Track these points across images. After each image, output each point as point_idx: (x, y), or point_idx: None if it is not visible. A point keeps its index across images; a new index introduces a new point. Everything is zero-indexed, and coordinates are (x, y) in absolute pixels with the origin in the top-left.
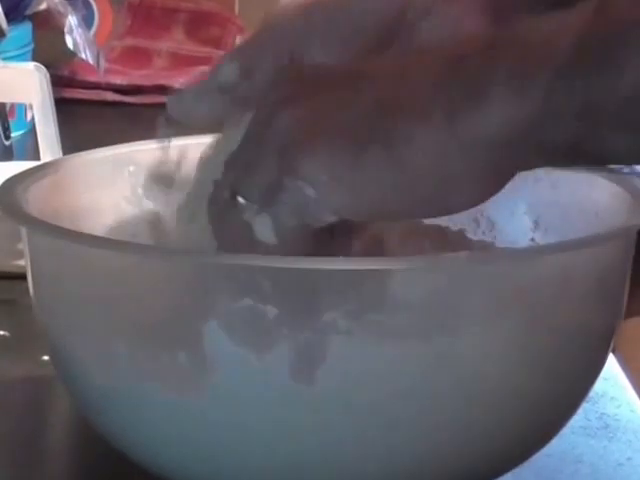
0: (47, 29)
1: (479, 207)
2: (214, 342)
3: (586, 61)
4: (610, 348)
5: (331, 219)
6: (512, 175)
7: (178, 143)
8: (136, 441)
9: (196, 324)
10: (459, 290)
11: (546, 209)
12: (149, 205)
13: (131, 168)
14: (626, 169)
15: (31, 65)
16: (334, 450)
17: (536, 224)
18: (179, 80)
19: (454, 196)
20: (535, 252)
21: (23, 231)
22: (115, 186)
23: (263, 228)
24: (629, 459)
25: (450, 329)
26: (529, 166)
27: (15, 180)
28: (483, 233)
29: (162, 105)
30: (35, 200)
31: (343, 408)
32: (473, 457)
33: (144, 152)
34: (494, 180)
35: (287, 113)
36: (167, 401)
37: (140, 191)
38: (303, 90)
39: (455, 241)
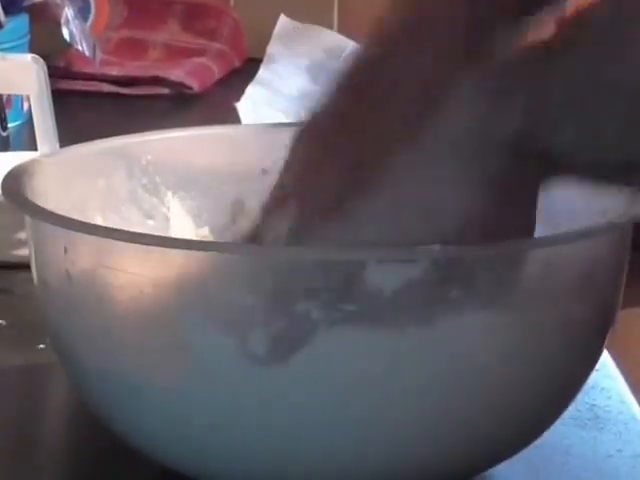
0: (44, 21)
1: None
2: (193, 328)
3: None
4: (605, 341)
5: None
6: (501, 193)
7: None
8: (136, 427)
9: (176, 310)
10: (436, 282)
11: (558, 209)
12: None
13: (149, 157)
14: None
15: (29, 57)
16: (314, 435)
17: (548, 223)
18: (174, 72)
19: (445, 216)
20: (514, 246)
21: (28, 220)
22: (132, 174)
23: None
24: (619, 451)
25: (425, 320)
26: (506, 176)
27: (22, 169)
28: None
29: (157, 96)
30: (47, 190)
31: (319, 393)
32: (457, 450)
33: (160, 141)
34: (479, 193)
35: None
36: (151, 388)
37: (158, 179)
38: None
39: None
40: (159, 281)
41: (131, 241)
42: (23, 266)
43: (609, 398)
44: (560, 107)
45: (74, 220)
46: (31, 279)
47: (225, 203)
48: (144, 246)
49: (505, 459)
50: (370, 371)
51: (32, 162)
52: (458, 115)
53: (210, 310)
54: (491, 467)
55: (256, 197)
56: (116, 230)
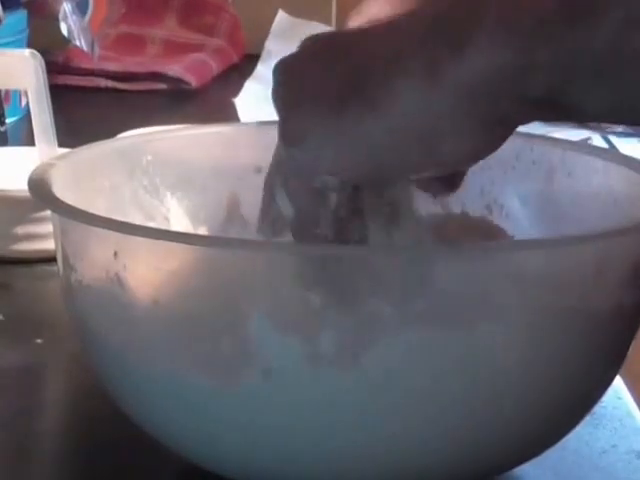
0: (42, 16)
1: (492, 195)
2: (259, 329)
3: (568, 12)
4: (631, 341)
5: (332, 181)
6: (501, 132)
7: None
8: (175, 429)
9: (242, 311)
10: (499, 278)
11: (561, 197)
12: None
13: (149, 157)
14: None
15: (26, 52)
16: (379, 434)
17: (550, 212)
18: (172, 67)
19: (442, 149)
20: (569, 241)
21: (60, 223)
22: (133, 175)
23: (282, 201)
24: (614, 446)
25: (489, 316)
26: (513, 120)
27: (42, 169)
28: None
29: (155, 92)
30: (63, 189)
31: (387, 393)
32: (503, 443)
33: (161, 141)
34: (481, 134)
35: (280, 84)
36: (212, 389)
37: (158, 180)
38: (299, 62)
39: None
40: (221, 282)
41: (191, 243)
42: (21, 261)
43: (604, 394)
44: (586, 70)
45: (127, 223)
46: (29, 274)
47: (222, 201)
48: (203, 248)
49: (532, 458)
50: (439, 369)
51: (48, 165)
52: (484, 59)
53: (277, 311)
54: (519, 465)
55: (252, 194)
56: (174, 233)
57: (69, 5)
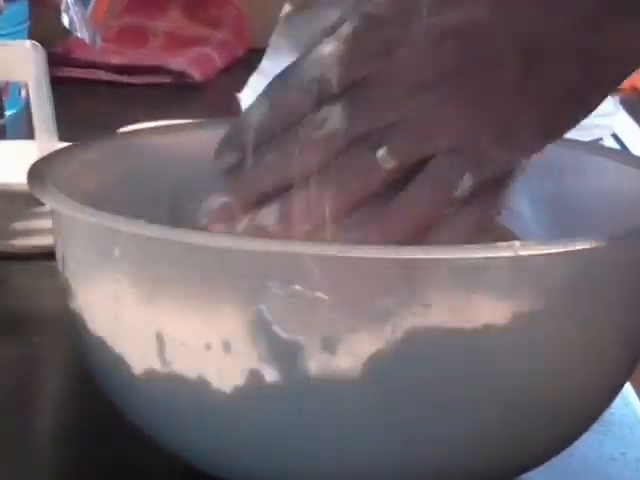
0: (43, 7)
1: None
2: (260, 329)
3: None
4: None
5: None
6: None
7: None
8: (174, 430)
9: (243, 311)
10: (507, 281)
11: (572, 199)
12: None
13: (151, 152)
14: None
15: (28, 43)
16: (380, 438)
17: (561, 214)
18: (175, 60)
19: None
20: (581, 243)
21: (56, 215)
22: (135, 171)
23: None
24: (623, 454)
25: (495, 321)
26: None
27: (42, 164)
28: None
29: (158, 85)
30: (63, 184)
31: (389, 395)
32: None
33: (163, 136)
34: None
35: None
36: (212, 390)
37: (160, 176)
38: None
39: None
40: (222, 281)
41: (192, 242)
42: (19, 256)
43: (613, 401)
44: None
45: (128, 220)
46: (27, 270)
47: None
48: (205, 246)
49: (539, 465)
50: (443, 374)
51: (48, 159)
52: None
53: (279, 311)
54: (525, 472)
55: None
56: (176, 231)
57: None
